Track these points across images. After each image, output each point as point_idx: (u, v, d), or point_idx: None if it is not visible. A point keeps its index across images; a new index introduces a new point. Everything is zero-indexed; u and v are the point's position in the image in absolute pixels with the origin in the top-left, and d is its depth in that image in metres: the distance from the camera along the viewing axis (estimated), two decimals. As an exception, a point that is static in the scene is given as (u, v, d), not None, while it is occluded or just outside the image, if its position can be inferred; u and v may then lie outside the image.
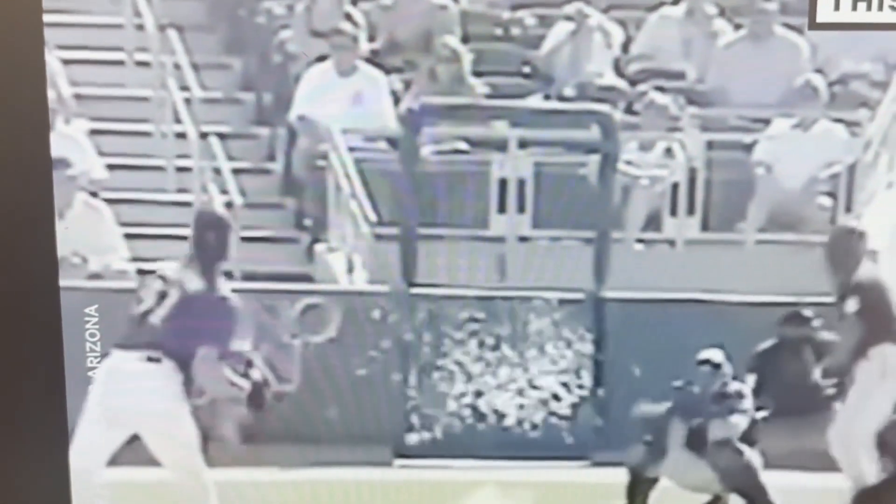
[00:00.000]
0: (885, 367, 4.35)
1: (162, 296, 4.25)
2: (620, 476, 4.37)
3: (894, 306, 4.36)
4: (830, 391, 4.39)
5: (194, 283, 4.25)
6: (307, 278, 4.74)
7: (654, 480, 4.38)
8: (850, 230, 4.43)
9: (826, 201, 4.84)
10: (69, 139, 4.63)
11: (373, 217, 4.75)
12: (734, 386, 4.33)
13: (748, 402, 4.34)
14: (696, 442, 4.32)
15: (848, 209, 4.79)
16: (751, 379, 4.39)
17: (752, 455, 4.33)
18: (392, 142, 4.81)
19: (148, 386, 4.22)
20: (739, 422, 4.31)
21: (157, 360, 4.21)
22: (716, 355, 4.33)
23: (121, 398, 4.19)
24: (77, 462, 4.01)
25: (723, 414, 4.31)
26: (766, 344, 4.45)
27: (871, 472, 4.36)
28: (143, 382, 4.21)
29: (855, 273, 4.34)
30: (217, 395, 4.27)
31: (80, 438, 4.09)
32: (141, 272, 4.38)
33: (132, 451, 4.21)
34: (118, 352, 4.17)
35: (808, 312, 4.44)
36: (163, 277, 4.26)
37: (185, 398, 4.22)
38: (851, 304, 4.35)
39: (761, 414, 4.36)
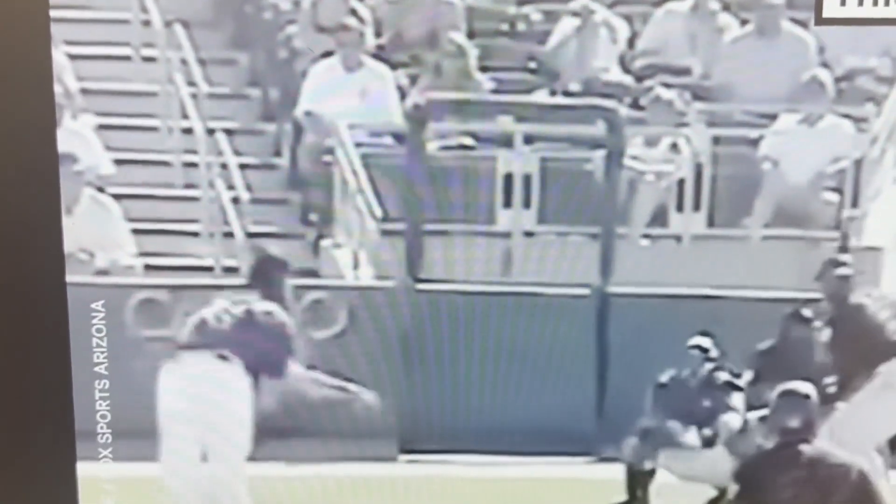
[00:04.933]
0: (888, 379, 4.35)
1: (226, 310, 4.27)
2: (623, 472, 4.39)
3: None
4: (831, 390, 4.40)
5: (261, 304, 4.29)
6: (313, 273, 4.75)
7: (652, 473, 4.38)
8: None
9: (832, 196, 4.84)
10: (76, 135, 4.63)
11: (379, 212, 4.75)
12: (724, 377, 4.34)
13: (739, 399, 4.34)
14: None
15: (854, 204, 4.79)
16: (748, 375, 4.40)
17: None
18: (398, 137, 4.81)
19: (218, 382, 4.27)
20: (731, 420, 4.31)
21: (226, 359, 4.24)
22: (704, 341, 4.34)
23: (195, 398, 4.25)
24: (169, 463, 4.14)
25: (714, 408, 4.31)
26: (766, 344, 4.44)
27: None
28: (214, 380, 4.27)
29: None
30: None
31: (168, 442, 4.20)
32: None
33: (137, 447, 4.23)
34: (186, 354, 4.23)
35: (808, 313, 4.44)
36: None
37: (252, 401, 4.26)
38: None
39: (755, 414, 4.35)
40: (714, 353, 4.37)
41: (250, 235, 4.71)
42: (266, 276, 4.38)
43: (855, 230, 4.69)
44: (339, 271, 4.75)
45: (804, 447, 4.14)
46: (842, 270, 4.47)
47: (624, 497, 4.43)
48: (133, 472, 4.21)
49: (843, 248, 4.59)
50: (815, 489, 4.11)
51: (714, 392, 4.34)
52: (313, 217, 4.87)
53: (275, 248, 4.54)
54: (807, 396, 4.20)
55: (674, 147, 4.87)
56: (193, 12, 4.91)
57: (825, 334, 4.41)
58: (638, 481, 4.40)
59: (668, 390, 4.34)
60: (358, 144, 4.81)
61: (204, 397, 4.26)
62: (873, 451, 4.38)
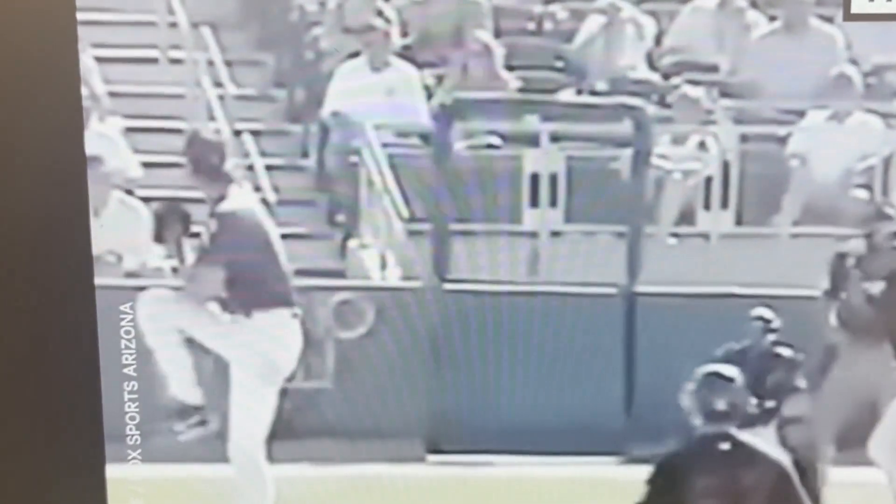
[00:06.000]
0: None
1: None
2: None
3: None
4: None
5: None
6: (340, 274, 4.75)
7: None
8: None
9: (862, 194, 4.81)
10: (104, 137, 4.65)
11: (405, 213, 4.75)
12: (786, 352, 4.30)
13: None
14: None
15: (884, 201, 4.76)
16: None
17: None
18: (424, 137, 4.81)
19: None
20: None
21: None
22: (767, 312, 4.31)
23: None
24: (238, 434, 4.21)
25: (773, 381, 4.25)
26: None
27: None
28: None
29: None
30: None
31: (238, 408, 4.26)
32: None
33: (167, 448, 4.25)
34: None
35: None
36: None
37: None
38: None
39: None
40: (776, 323, 4.33)
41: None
42: (199, 154, 4.36)
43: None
44: (367, 272, 4.75)
45: (724, 444, 4.09)
46: None
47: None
48: (162, 474, 4.22)
49: None
50: (734, 482, 4.06)
51: (774, 364, 4.29)
52: (340, 218, 4.87)
53: (209, 133, 4.55)
54: (731, 380, 4.15)
55: (701, 145, 4.85)
56: (220, 14, 4.92)
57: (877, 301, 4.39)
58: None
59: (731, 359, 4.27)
60: (384, 145, 4.81)
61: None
62: None
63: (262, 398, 4.33)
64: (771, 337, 4.33)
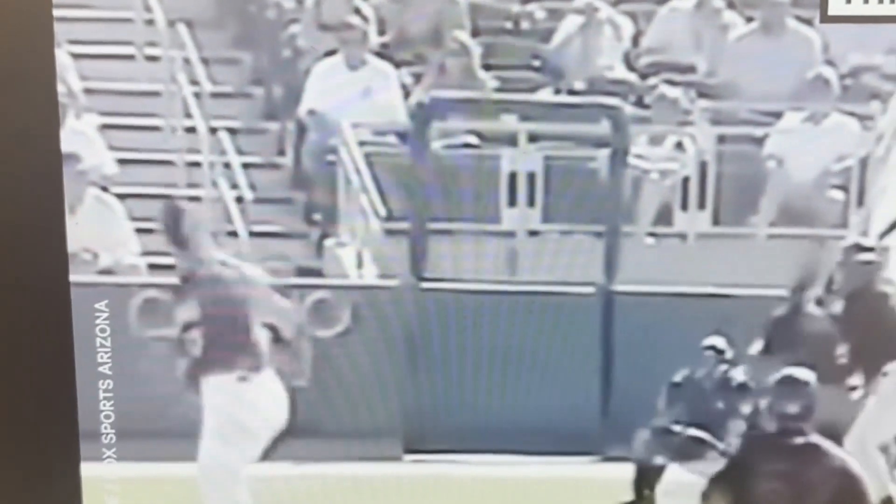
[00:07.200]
0: None
1: None
2: (630, 471, 4.38)
3: None
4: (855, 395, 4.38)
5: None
6: (317, 273, 4.74)
7: (660, 471, 4.38)
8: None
9: (838, 195, 4.83)
10: (80, 134, 4.63)
11: (382, 211, 4.75)
12: (739, 377, 4.34)
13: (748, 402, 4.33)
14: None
15: (860, 203, 4.78)
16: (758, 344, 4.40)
17: None
18: (402, 136, 4.80)
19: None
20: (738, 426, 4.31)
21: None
22: (719, 341, 4.34)
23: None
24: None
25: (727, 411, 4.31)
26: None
27: (887, 483, 4.35)
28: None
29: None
30: None
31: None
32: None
33: (141, 447, 4.23)
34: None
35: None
36: None
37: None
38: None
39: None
40: (729, 353, 4.37)
41: (253, 235, 4.71)
42: (171, 223, 4.36)
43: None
44: (343, 270, 4.74)
45: (798, 438, 4.15)
46: (865, 256, 4.45)
47: (630, 496, 4.42)
48: (137, 473, 4.21)
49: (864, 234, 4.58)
50: (802, 482, 4.11)
51: (728, 394, 4.34)
52: (317, 216, 4.86)
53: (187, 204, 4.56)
54: (806, 384, 4.20)
55: (679, 145, 4.86)
56: (197, 11, 4.90)
57: (839, 319, 4.41)
58: (646, 480, 4.40)
59: (682, 390, 4.34)
60: (362, 143, 4.80)
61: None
62: (876, 451, 4.37)
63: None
64: (724, 366, 4.36)
